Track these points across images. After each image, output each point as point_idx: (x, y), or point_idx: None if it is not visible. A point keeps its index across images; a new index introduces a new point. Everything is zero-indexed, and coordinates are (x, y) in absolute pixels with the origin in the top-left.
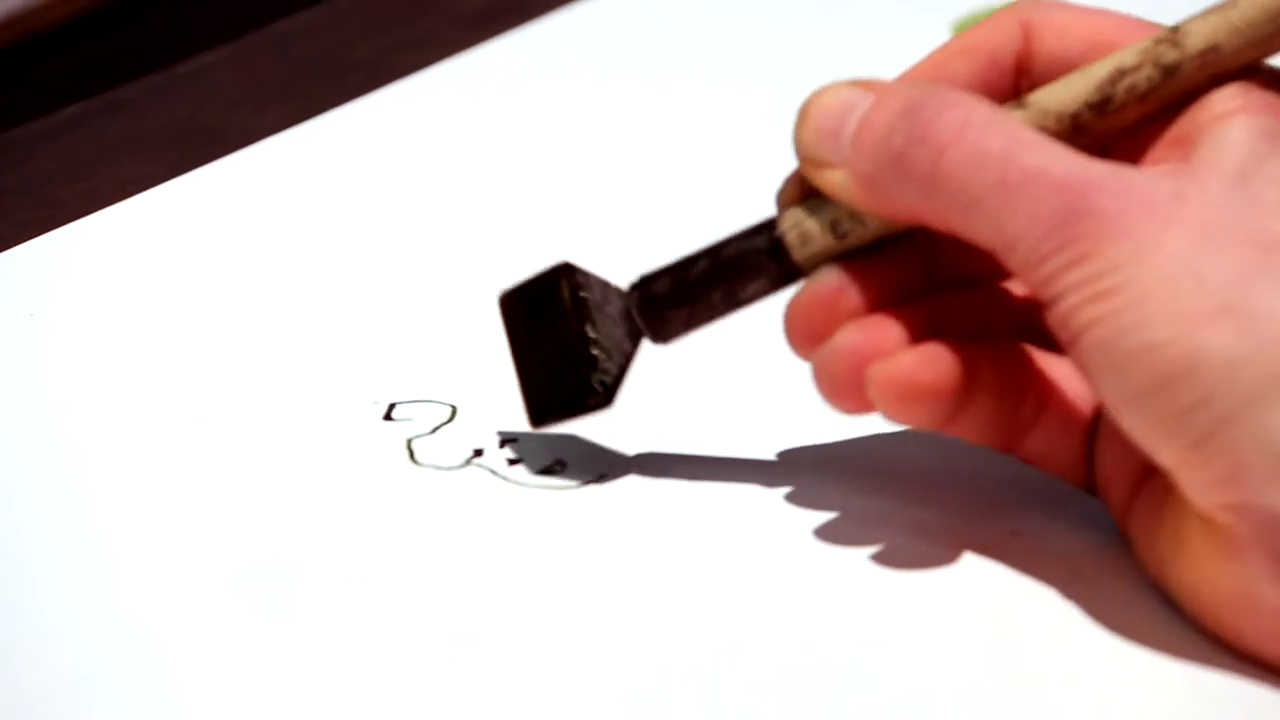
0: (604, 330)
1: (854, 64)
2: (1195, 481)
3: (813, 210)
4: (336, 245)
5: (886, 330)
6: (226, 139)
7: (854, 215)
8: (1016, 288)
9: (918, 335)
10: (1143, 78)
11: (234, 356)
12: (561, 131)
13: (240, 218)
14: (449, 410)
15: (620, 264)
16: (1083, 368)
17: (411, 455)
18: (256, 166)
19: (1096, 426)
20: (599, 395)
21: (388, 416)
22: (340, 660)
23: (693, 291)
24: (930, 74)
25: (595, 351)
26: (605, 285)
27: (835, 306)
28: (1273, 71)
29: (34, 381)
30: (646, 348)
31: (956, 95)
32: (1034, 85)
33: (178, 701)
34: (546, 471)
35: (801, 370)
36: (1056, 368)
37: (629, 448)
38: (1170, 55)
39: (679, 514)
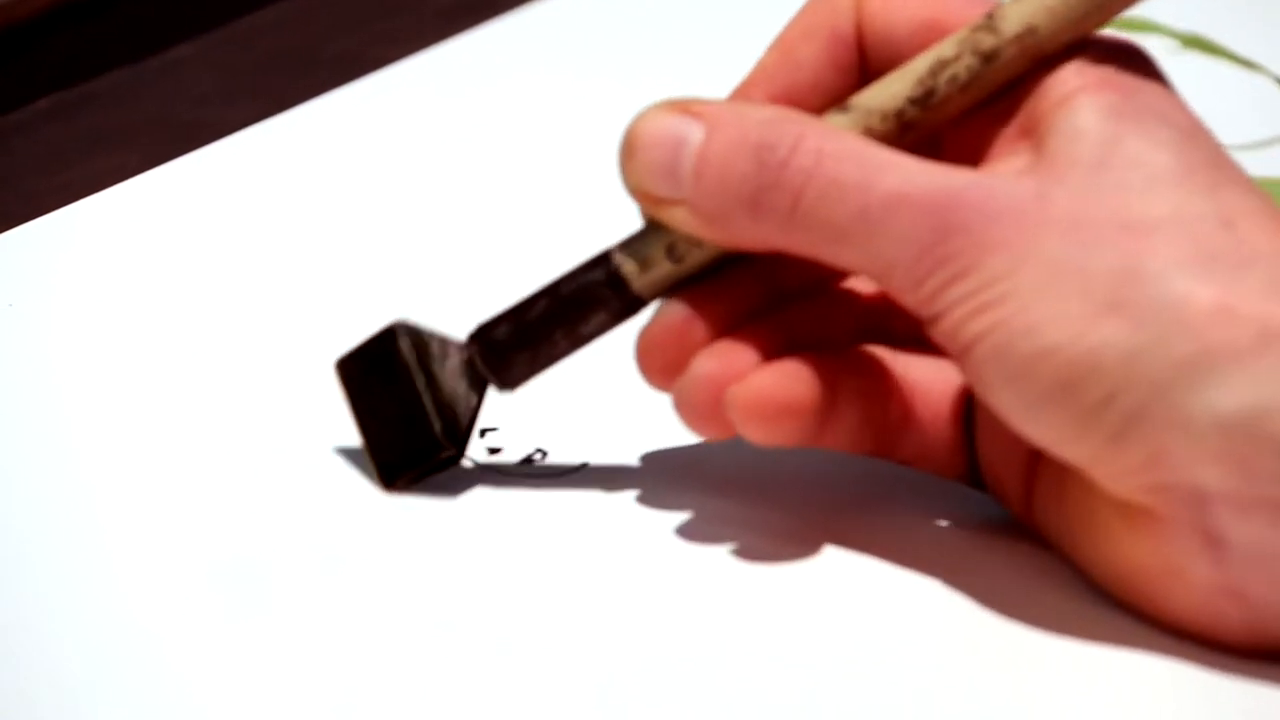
0: (446, 384)
1: None
2: (1111, 472)
3: (647, 238)
4: (312, 237)
5: (739, 353)
6: (198, 132)
7: (691, 240)
8: (860, 286)
9: (771, 353)
10: (962, 67)
11: (213, 347)
12: (533, 126)
13: (213, 210)
14: None
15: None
16: (976, 380)
17: None
18: (229, 160)
19: (973, 420)
20: (448, 449)
21: None
22: (320, 652)
23: (534, 333)
24: (777, 61)
25: (437, 406)
26: (443, 340)
27: (685, 336)
28: (1104, 42)
29: (11, 374)
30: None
31: (801, 125)
32: (872, 64)
33: (155, 695)
34: (527, 461)
35: None
36: (916, 366)
37: (611, 436)
38: (987, 42)
39: (660, 501)
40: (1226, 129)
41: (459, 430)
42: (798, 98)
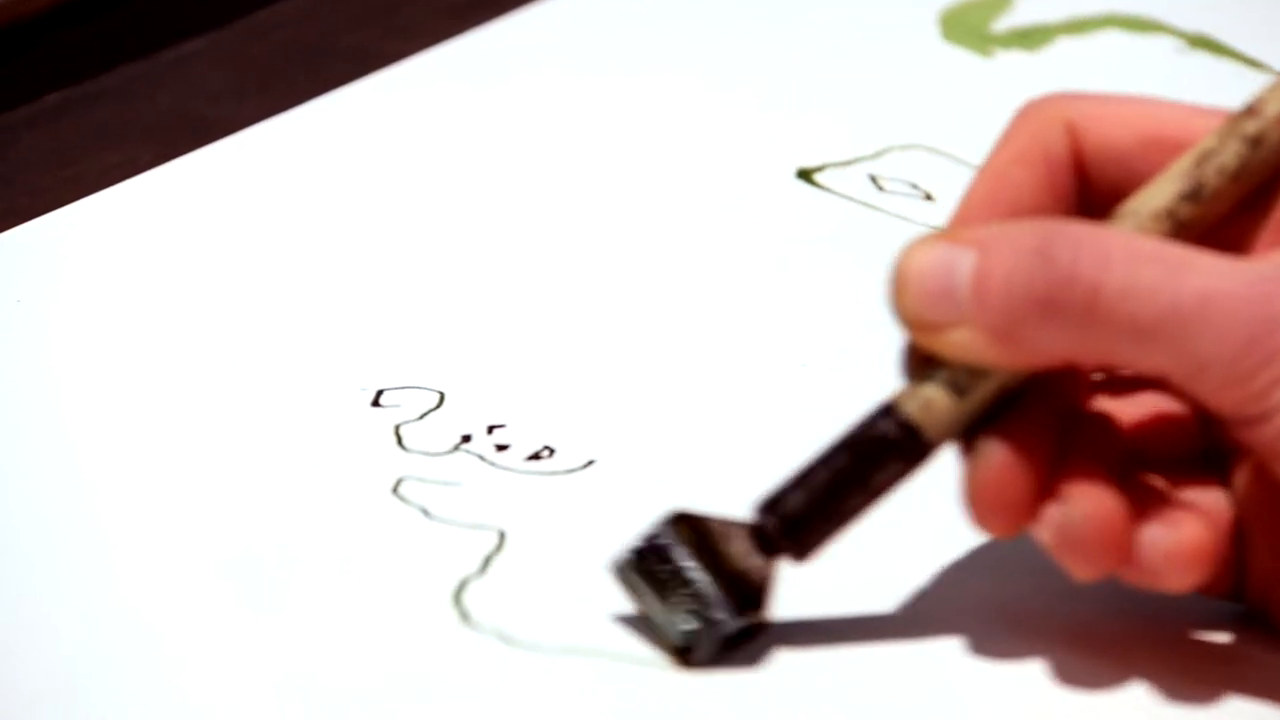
0: (733, 562)
1: (840, 58)
2: None
3: (928, 380)
4: (321, 233)
5: (1103, 492)
6: (210, 127)
7: (973, 371)
8: (1121, 411)
9: (1107, 484)
10: (1230, 155)
11: (221, 344)
12: (544, 120)
13: (225, 206)
14: (437, 397)
15: (604, 247)
16: None
17: (400, 441)
18: (240, 155)
19: (1244, 536)
20: (751, 631)
21: (375, 403)
22: (326, 648)
23: (827, 499)
24: (992, 188)
25: (728, 584)
26: (725, 521)
27: (1018, 479)
28: None
29: (20, 369)
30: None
31: (1079, 227)
32: (1095, 184)
33: (161, 690)
34: (535, 457)
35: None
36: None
37: (618, 433)
38: (1252, 126)
39: (667, 501)
40: None
41: (757, 605)
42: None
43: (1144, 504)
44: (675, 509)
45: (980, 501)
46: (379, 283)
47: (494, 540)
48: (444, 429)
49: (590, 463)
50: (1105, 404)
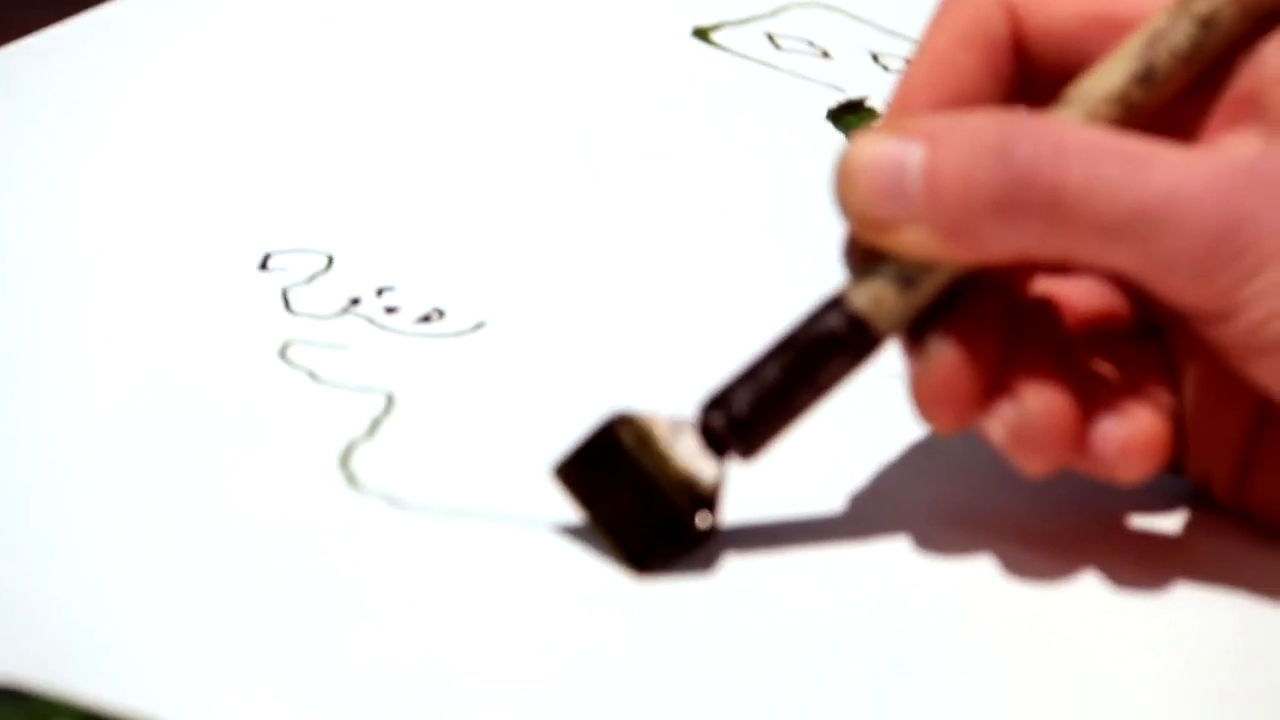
0: (679, 463)
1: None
2: None
3: (875, 274)
4: (208, 94)
5: (1055, 389)
6: None
7: (922, 264)
8: (1065, 293)
9: (1056, 377)
10: (1181, 36)
11: (105, 207)
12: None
13: (114, 65)
14: (325, 259)
15: (495, 105)
16: (1275, 377)
17: (287, 304)
18: (128, 15)
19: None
20: (702, 533)
21: (263, 266)
22: (210, 511)
23: (775, 396)
24: (932, 72)
25: (674, 486)
26: (671, 421)
27: (967, 376)
28: None
29: None
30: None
31: (1036, 122)
32: (1037, 66)
33: (45, 552)
34: (424, 320)
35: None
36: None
37: (509, 296)
38: (1203, 6)
39: (559, 361)
40: None
41: (707, 506)
42: (961, 109)
43: (1093, 395)
44: (616, 410)
45: (929, 398)
46: (266, 144)
47: (382, 403)
48: (332, 292)
49: (480, 325)
50: (1043, 286)
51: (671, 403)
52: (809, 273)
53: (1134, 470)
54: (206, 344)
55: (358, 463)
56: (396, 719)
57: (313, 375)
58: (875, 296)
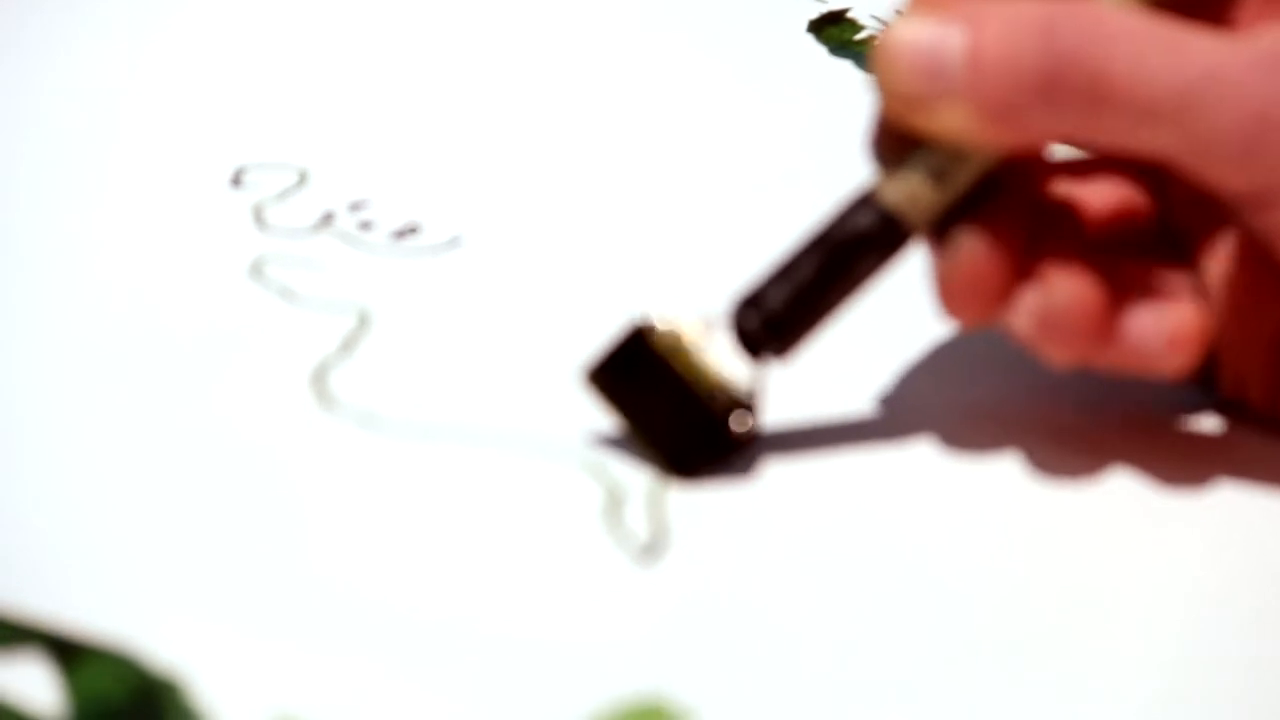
0: (714, 364)
1: None
2: None
3: (908, 169)
4: (181, 7)
5: (1084, 277)
6: None
7: (952, 155)
8: (1088, 198)
9: (1087, 273)
10: None
11: (77, 123)
12: None
13: None
14: (298, 175)
15: (470, 18)
16: None
17: (260, 221)
18: None
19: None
20: (742, 435)
21: (235, 182)
22: (182, 432)
23: (810, 293)
24: None
25: (711, 389)
26: (699, 322)
27: (993, 270)
28: None
29: None
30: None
31: (1078, 6)
32: None
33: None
34: (399, 235)
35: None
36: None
37: (485, 210)
38: None
39: (536, 276)
40: None
41: (745, 408)
42: None
43: (1123, 287)
44: (646, 312)
45: (955, 291)
46: (238, 58)
47: (356, 321)
48: (305, 208)
49: (456, 240)
50: (1065, 188)
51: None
52: (787, 184)
53: (1174, 360)
54: (178, 262)
55: (331, 381)
56: (368, 640)
57: (286, 293)
58: (908, 192)
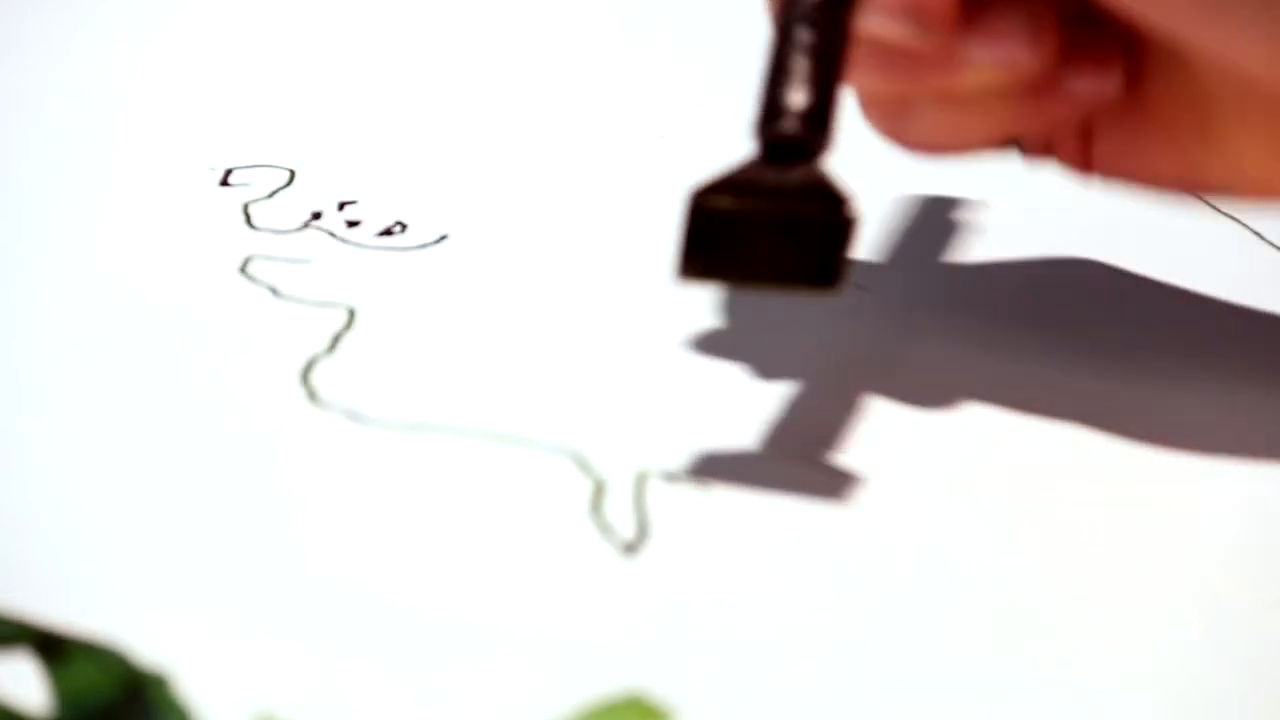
0: (779, 184)
1: None
2: None
3: None
4: (172, 7)
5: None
6: None
7: None
8: None
9: None
10: None
11: (71, 121)
12: None
13: None
14: (286, 174)
15: (456, 19)
16: None
17: (249, 219)
18: None
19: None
20: (856, 223)
21: (224, 182)
22: (172, 427)
23: (818, 76)
24: None
25: (805, 201)
26: (735, 164)
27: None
28: None
29: None
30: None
31: None
32: None
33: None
34: (386, 233)
35: None
36: None
37: (471, 208)
38: None
39: (522, 274)
40: None
41: (835, 196)
42: None
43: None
44: (693, 193)
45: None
46: (227, 59)
47: (344, 318)
48: (294, 206)
49: (443, 238)
50: None
51: (635, 310)
52: None
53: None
54: (168, 260)
55: (319, 378)
56: (356, 634)
57: (274, 290)
58: None
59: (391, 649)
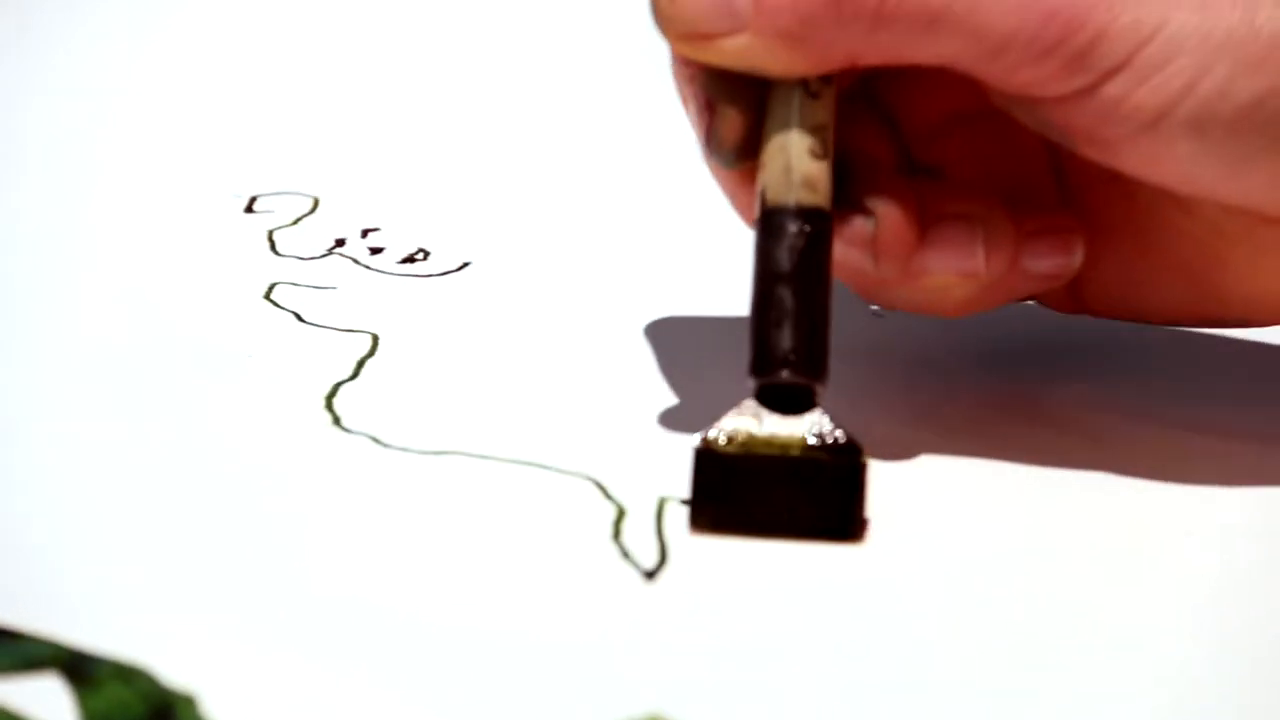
0: (786, 432)
1: None
2: None
3: (773, 164)
4: (198, 36)
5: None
6: None
7: (816, 129)
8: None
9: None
10: None
11: (97, 150)
12: None
13: (106, 7)
14: (311, 201)
15: (478, 49)
16: (1147, 152)
17: (273, 246)
18: None
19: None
20: (865, 467)
21: (249, 209)
22: (198, 451)
23: (802, 320)
24: None
25: (815, 451)
26: (736, 413)
27: (911, 228)
28: None
29: None
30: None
31: None
32: None
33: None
34: (409, 260)
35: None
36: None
37: (493, 236)
38: None
39: (544, 301)
40: None
41: (846, 447)
42: None
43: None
44: (699, 444)
45: (887, 260)
46: (253, 88)
47: (367, 344)
48: (318, 233)
49: (465, 265)
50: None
51: (654, 341)
52: None
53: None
54: (194, 286)
55: (343, 403)
56: (381, 657)
57: (298, 316)
58: (805, 178)
59: (415, 671)
